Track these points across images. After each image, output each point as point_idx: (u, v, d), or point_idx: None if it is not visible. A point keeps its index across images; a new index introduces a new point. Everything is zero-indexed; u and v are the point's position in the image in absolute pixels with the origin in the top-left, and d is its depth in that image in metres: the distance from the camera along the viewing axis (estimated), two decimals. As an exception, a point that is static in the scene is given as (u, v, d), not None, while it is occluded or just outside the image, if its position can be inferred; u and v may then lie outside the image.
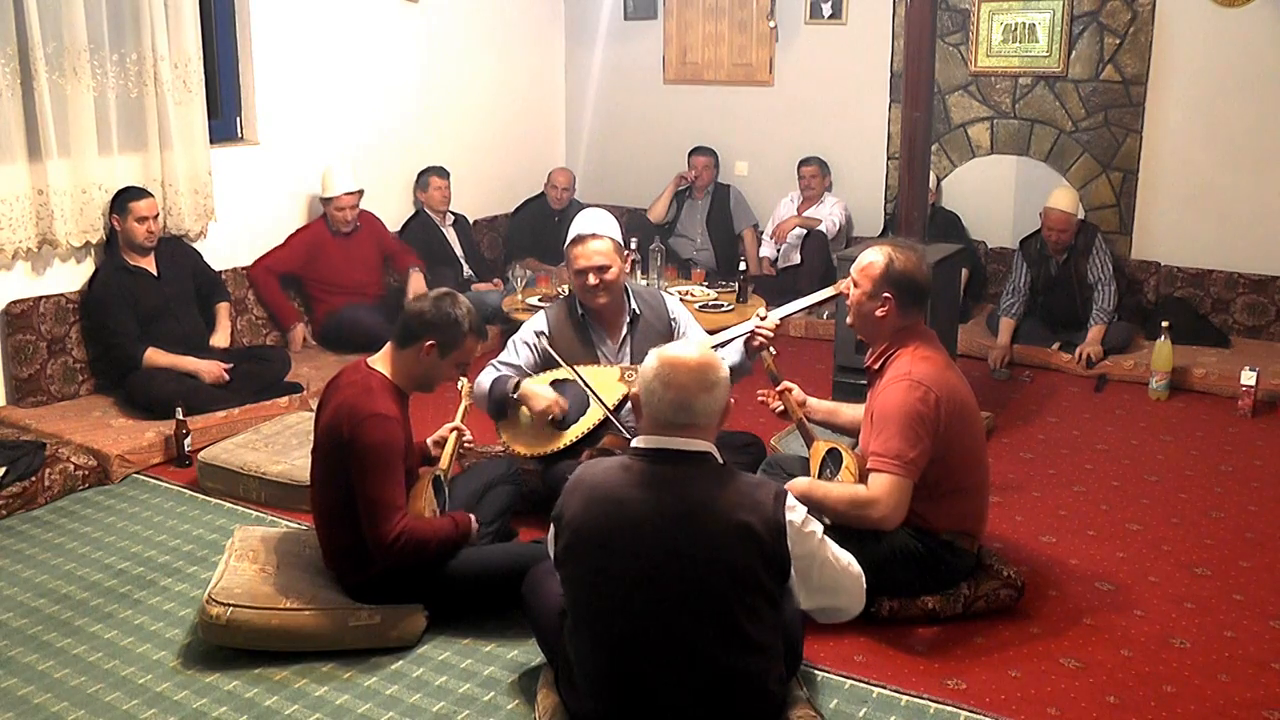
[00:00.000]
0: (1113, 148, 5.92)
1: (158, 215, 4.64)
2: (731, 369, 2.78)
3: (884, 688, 2.78)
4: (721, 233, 6.68)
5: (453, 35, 6.49)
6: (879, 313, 3.08)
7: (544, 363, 3.71)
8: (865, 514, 2.92)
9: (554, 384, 3.62)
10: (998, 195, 6.28)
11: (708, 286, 5.83)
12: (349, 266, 5.54)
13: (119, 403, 4.52)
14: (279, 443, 4.17)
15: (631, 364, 3.67)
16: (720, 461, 2.34)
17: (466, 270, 6.15)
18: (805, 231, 6.23)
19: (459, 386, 3.47)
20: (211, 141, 5.06)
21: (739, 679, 2.28)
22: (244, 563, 3.10)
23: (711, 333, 3.72)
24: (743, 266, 5.92)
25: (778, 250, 6.43)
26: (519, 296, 5.39)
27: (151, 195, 4.63)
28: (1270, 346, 5.51)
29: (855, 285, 3.13)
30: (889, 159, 6.50)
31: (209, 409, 4.44)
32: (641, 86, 7.23)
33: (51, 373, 4.54)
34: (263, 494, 3.92)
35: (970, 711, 2.68)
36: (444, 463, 3.20)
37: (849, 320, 3.26)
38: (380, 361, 3.05)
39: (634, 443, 2.36)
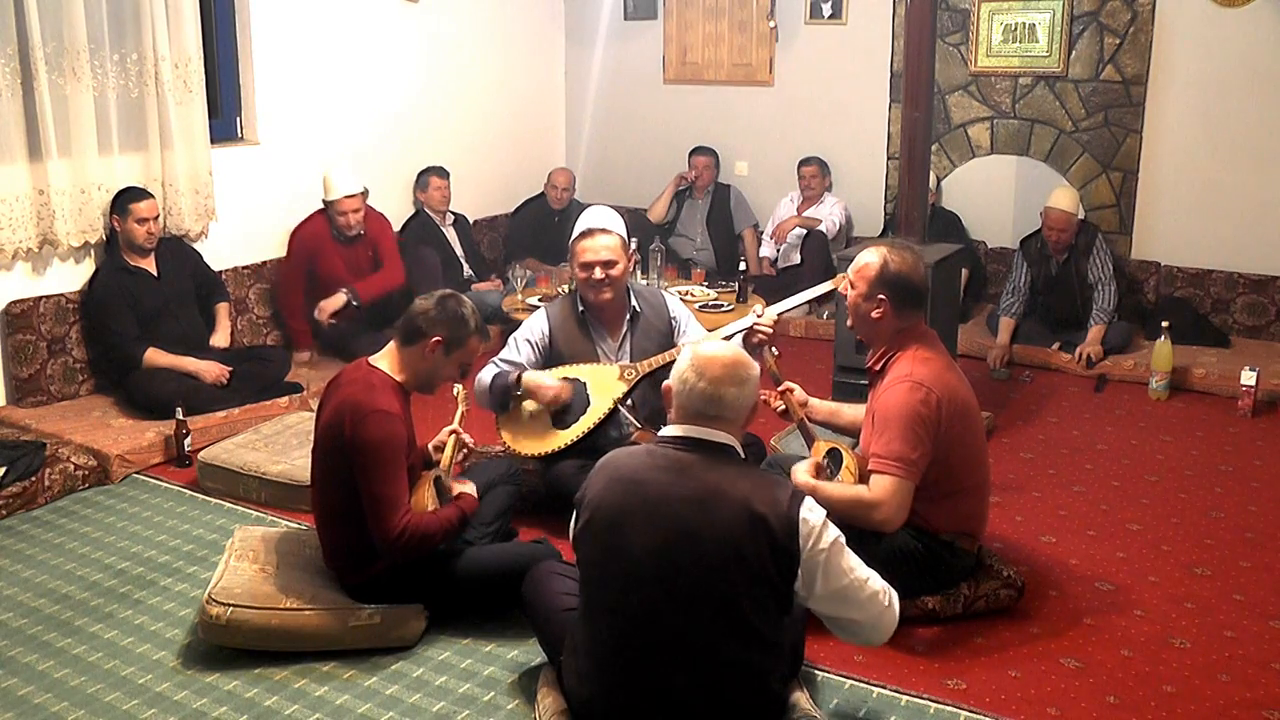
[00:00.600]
0: (1113, 148, 5.92)
1: (158, 216, 4.64)
2: None
3: (884, 688, 2.78)
4: (721, 233, 6.68)
5: (453, 35, 6.50)
6: (875, 314, 3.08)
7: (545, 360, 3.71)
8: (867, 516, 2.93)
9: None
10: (998, 195, 6.28)
11: (708, 286, 5.83)
12: (349, 274, 5.34)
13: (119, 403, 4.53)
14: (279, 443, 4.17)
15: (631, 362, 3.68)
16: (743, 456, 2.38)
17: (466, 270, 6.15)
18: (805, 231, 6.23)
19: (454, 393, 3.45)
20: (212, 141, 5.06)
21: (742, 672, 2.29)
22: (244, 563, 3.10)
23: (711, 332, 3.72)
24: (743, 266, 5.92)
25: (778, 250, 6.43)
26: (519, 296, 5.39)
27: (152, 196, 4.63)
28: (1270, 346, 5.52)
29: (852, 286, 3.14)
30: (889, 159, 6.50)
31: (209, 409, 4.44)
32: (641, 86, 7.24)
33: (51, 373, 4.54)
34: (263, 494, 3.92)
35: (970, 711, 2.69)
36: (444, 466, 3.20)
37: (849, 322, 3.27)
38: (382, 359, 3.05)
39: (661, 431, 2.42)
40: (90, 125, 4.52)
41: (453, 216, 6.24)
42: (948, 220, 6.07)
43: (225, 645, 2.92)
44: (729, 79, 6.97)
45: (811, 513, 2.29)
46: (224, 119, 5.36)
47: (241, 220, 5.35)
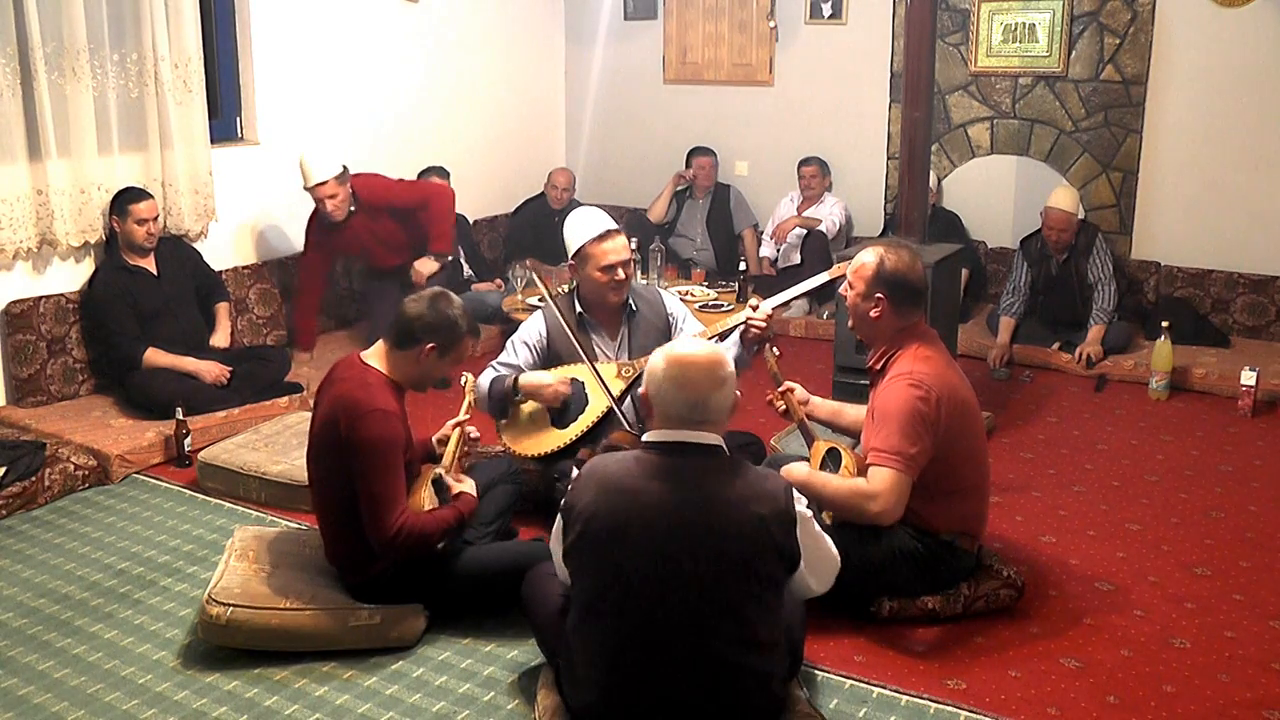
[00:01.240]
0: (1113, 148, 5.92)
1: (158, 217, 4.64)
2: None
3: (884, 688, 2.78)
4: (721, 233, 6.68)
5: (453, 35, 6.50)
6: (873, 313, 3.09)
7: (543, 362, 3.71)
8: (864, 507, 2.92)
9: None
10: (998, 195, 6.28)
11: (708, 286, 5.83)
12: (376, 244, 5.25)
13: (119, 403, 4.53)
14: (279, 443, 4.17)
15: (629, 360, 3.68)
16: (729, 454, 2.38)
17: (466, 270, 6.15)
18: (805, 231, 6.23)
19: (462, 382, 3.49)
20: (211, 141, 5.06)
21: (744, 676, 2.29)
22: (244, 562, 3.10)
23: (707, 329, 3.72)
24: (743, 266, 5.94)
25: (778, 250, 6.43)
26: (519, 296, 5.39)
27: (152, 197, 4.63)
28: (1270, 346, 5.51)
29: (850, 287, 3.15)
30: (889, 159, 6.50)
31: (209, 409, 4.44)
32: (641, 86, 7.23)
33: (51, 373, 4.54)
34: (263, 494, 3.92)
35: (970, 711, 2.68)
36: (446, 460, 3.19)
37: (849, 323, 3.27)
38: (375, 358, 3.03)
39: (645, 437, 2.39)
40: (90, 125, 4.52)
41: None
42: (948, 220, 6.07)
43: (225, 645, 2.92)
44: (729, 79, 6.97)
45: (800, 503, 2.36)
46: (224, 119, 5.36)
47: (241, 220, 5.36)
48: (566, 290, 3.84)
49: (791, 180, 6.57)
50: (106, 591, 3.31)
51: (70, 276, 4.65)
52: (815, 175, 6.43)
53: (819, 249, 6.14)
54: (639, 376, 3.64)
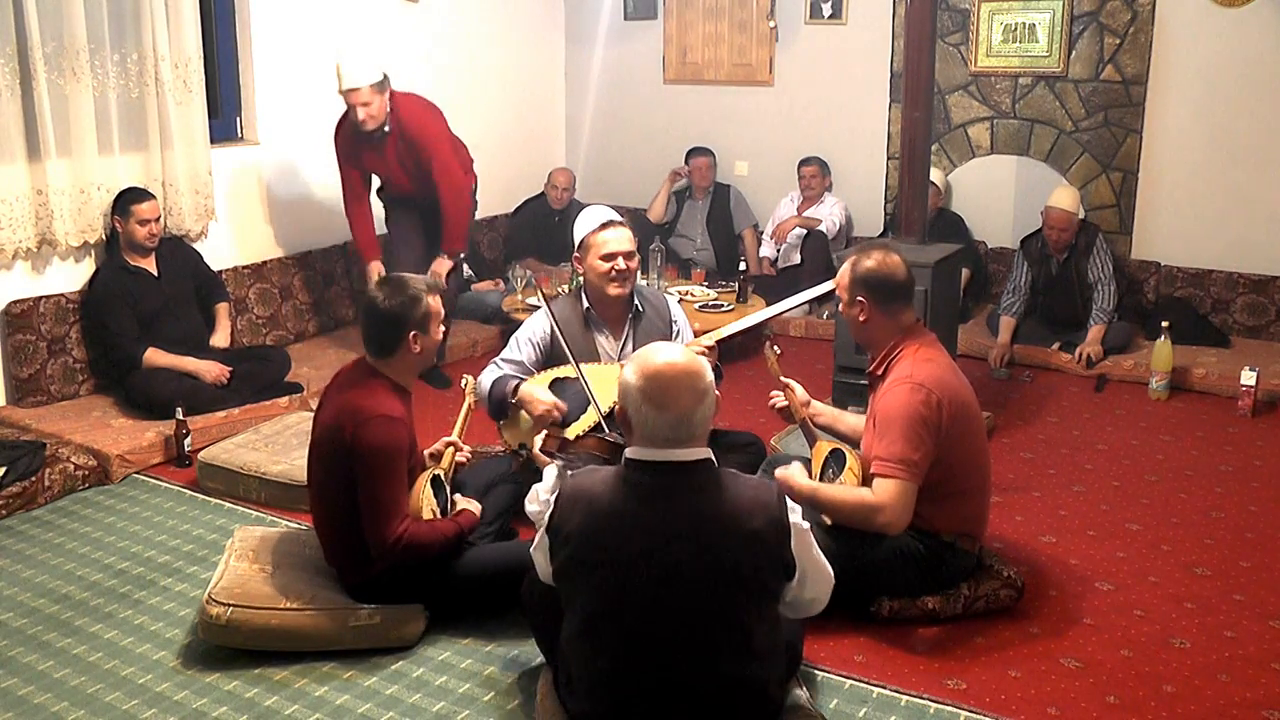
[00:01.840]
0: (1113, 148, 5.92)
1: (159, 217, 4.64)
2: None
3: (884, 688, 2.78)
4: (721, 233, 6.67)
5: (453, 35, 6.49)
6: (860, 318, 3.12)
7: (546, 360, 3.71)
8: (871, 519, 2.94)
9: (554, 383, 3.61)
10: (998, 195, 6.28)
11: (708, 286, 5.83)
12: (400, 172, 5.05)
13: (119, 403, 4.53)
14: (279, 443, 4.17)
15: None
16: (715, 464, 2.32)
17: (466, 270, 6.14)
18: (805, 231, 6.23)
19: (463, 384, 3.48)
20: (211, 141, 5.06)
21: (742, 687, 2.27)
22: (244, 563, 3.10)
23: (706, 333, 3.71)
24: (743, 266, 5.94)
25: (778, 250, 6.43)
26: (519, 296, 5.39)
27: (153, 197, 4.63)
28: (1270, 346, 5.51)
29: (839, 299, 3.19)
30: (889, 159, 6.50)
31: (209, 409, 4.44)
32: (641, 86, 7.23)
33: (51, 373, 4.54)
34: (263, 494, 3.92)
35: (970, 711, 2.68)
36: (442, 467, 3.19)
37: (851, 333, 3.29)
38: (377, 366, 3.03)
39: (628, 454, 2.29)
40: (90, 125, 4.52)
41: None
42: (953, 223, 6.06)
43: (225, 645, 2.92)
44: (729, 79, 6.96)
45: (794, 513, 2.31)
46: (224, 119, 5.36)
47: (241, 220, 5.35)
48: (568, 290, 3.84)
49: (791, 180, 6.57)
50: (106, 591, 3.31)
51: (70, 276, 4.65)
52: (815, 175, 6.43)
53: (819, 249, 6.14)
54: None
